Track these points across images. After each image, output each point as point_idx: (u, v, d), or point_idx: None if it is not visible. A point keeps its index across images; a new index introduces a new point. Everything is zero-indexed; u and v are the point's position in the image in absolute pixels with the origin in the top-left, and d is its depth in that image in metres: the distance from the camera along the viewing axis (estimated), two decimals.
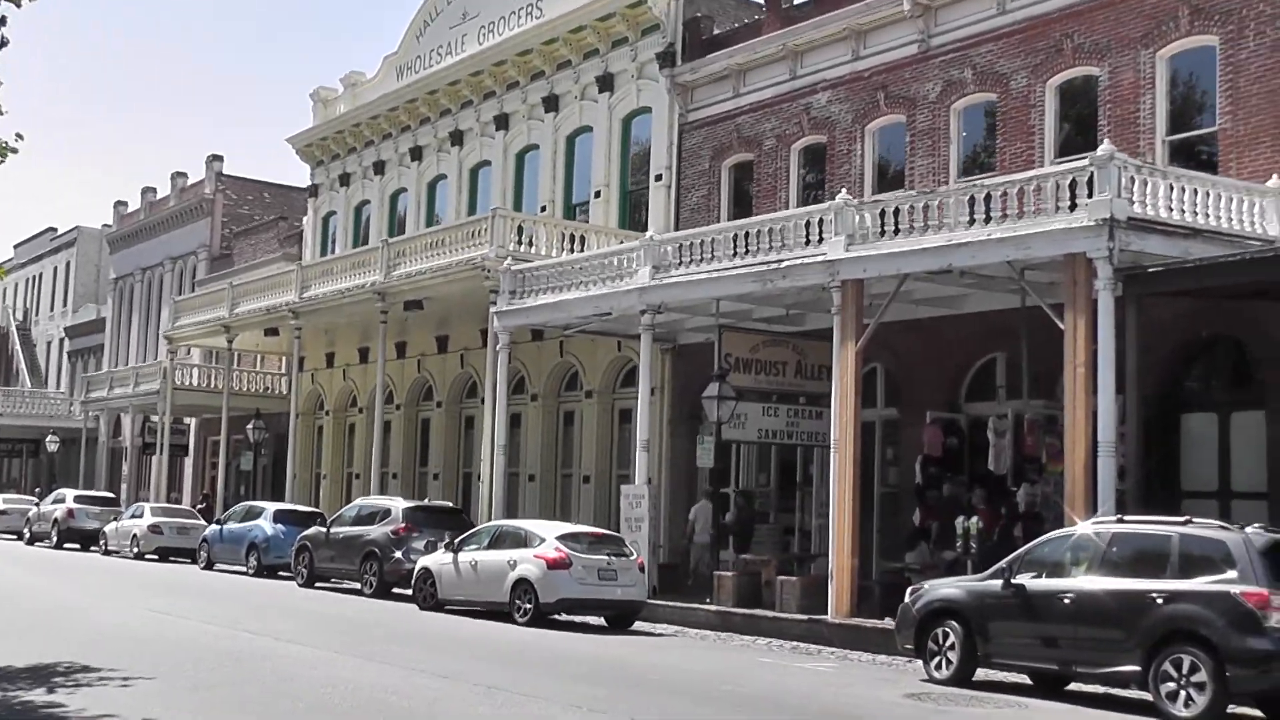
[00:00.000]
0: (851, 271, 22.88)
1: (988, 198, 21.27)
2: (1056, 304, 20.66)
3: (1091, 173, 19.76)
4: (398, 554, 27.87)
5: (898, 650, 19.35)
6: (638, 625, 24.02)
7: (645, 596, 23.84)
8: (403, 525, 28.20)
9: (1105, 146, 19.97)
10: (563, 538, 23.47)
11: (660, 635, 23.16)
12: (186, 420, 56.02)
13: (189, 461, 57.32)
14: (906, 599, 18.37)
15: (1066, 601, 16.10)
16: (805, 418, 27.31)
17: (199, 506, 48.34)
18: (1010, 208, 20.93)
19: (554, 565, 22.87)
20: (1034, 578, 16.78)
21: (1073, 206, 20.01)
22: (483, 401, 38.26)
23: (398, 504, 29.52)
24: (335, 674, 15.66)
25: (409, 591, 27.87)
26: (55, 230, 79.49)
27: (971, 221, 21.36)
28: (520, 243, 31.85)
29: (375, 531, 28.59)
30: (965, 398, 26.94)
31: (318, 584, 30.49)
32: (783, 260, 23.96)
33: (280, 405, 48.45)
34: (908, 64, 28.53)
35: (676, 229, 31.34)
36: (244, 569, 34.44)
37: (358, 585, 29.04)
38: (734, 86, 32.21)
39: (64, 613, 22.45)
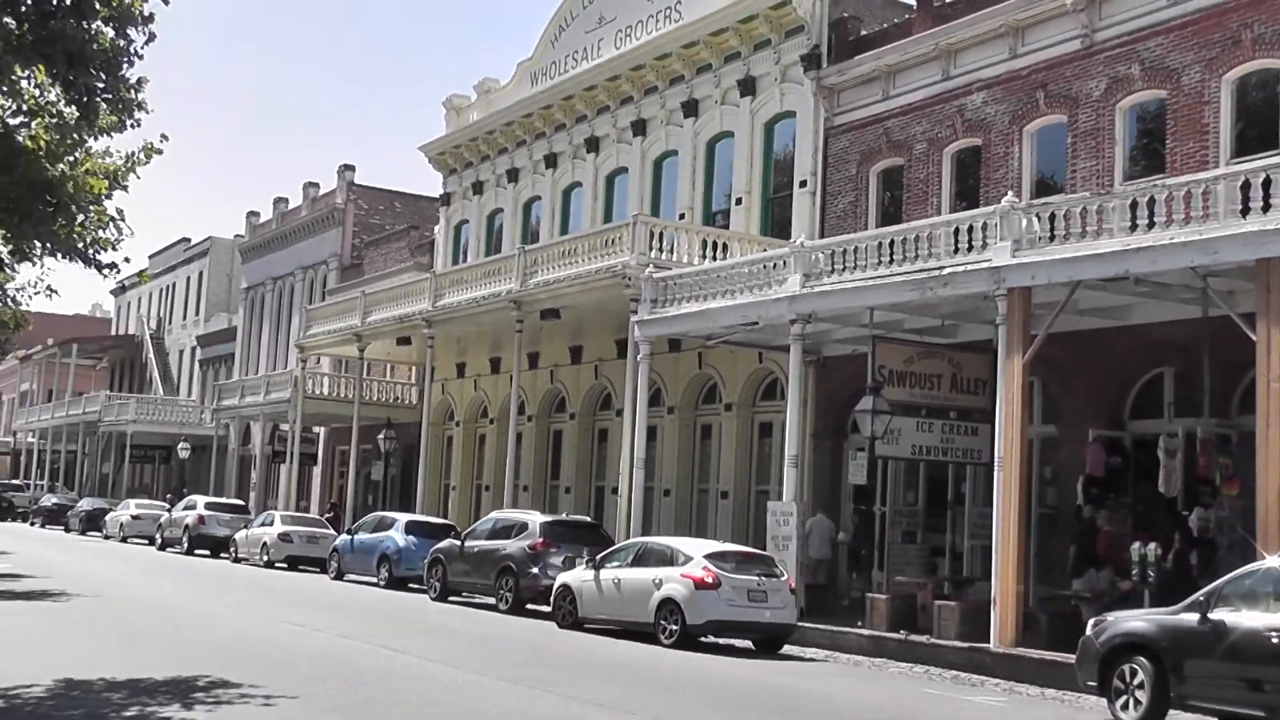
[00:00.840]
0: (1019, 279, 21.56)
1: (1170, 198, 19.88)
2: (1245, 314, 19.22)
3: None
4: (534, 570, 26.95)
5: (1073, 685, 18.08)
6: (786, 649, 22.84)
7: (796, 619, 22.66)
8: (540, 540, 27.25)
9: None
10: (711, 556, 22.38)
11: (812, 660, 21.98)
12: (316, 429, 55.83)
13: (317, 470, 57.18)
14: (1088, 631, 17.00)
15: (1276, 641, 14.65)
16: (961, 434, 25.96)
17: (327, 515, 48.05)
18: (1195, 209, 19.51)
19: (702, 585, 21.79)
20: (1233, 612, 15.36)
21: (1266, 208, 18.57)
22: (618, 414, 37.42)
23: (535, 518, 28.59)
24: (484, 699, 14.72)
25: (545, 608, 26.93)
26: (189, 240, 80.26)
27: (1151, 225, 19.96)
28: (659, 250, 30.87)
29: (511, 546, 27.69)
30: (1129, 415, 25.45)
31: (451, 598, 29.70)
32: (944, 267, 22.68)
33: (409, 415, 48.06)
34: (1069, 61, 27.10)
35: (822, 237, 30.14)
36: (375, 580, 33.81)
37: (492, 600, 28.19)
38: (883, 88, 30.96)
39: (198, 621, 21.82)
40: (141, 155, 19.01)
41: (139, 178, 19.34)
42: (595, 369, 38.73)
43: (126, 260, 19.64)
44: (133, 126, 16.54)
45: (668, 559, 22.83)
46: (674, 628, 21.81)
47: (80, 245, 18.81)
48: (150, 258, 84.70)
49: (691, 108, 36.41)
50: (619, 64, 38.59)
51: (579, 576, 24.35)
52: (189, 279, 77.90)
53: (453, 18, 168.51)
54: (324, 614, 24.23)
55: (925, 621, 23.18)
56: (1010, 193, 23.92)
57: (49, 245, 18.56)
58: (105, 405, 71.21)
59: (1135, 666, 15.92)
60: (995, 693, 19.04)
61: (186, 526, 46.48)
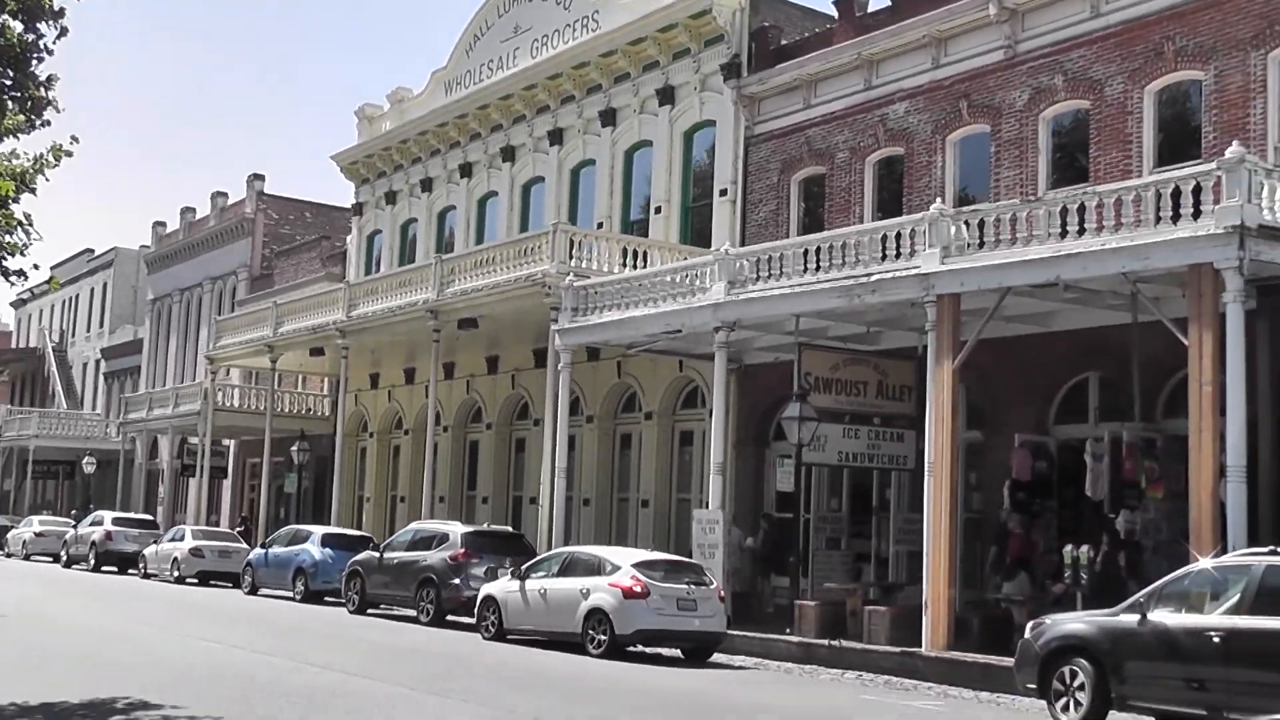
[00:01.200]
0: (948, 285, 21.41)
1: (1100, 205, 19.79)
2: (1177, 319, 19.19)
3: (1218, 177, 18.32)
4: (456, 580, 26.35)
5: (1008, 688, 18.07)
6: (716, 657, 22.48)
7: (725, 628, 22.31)
8: (461, 551, 26.66)
9: (1235, 148, 18.48)
10: (639, 565, 21.99)
11: (743, 669, 21.63)
12: (225, 442, 54.71)
13: (227, 484, 56.06)
14: (1027, 634, 16.83)
15: (1217, 640, 14.53)
16: (887, 440, 25.85)
17: (238, 529, 47.13)
18: (1126, 216, 19.46)
19: (630, 595, 21.39)
20: (1173, 613, 15.26)
21: (1196, 214, 18.55)
22: (535, 423, 36.99)
23: (456, 528, 28.01)
24: (414, 714, 14.20)
25: (467, 619, 26.42)
26: (92, 251, 78.49)
27: (1081, 231, 19.89)
28: (579, 259, 30.43)
29: (433, 557, 27.07)
30: (1054, 420, 25.44)
31: (369, 611, 29.04)
32: (872, 274, 22.50)
33: (322, 427, 47.24)
34: (992, 71, 27.10)
35: (743, 245, 29.87)
36: (290, 594, 33.02)
37: (412, 613, 27.57)
38: (804, 97, 30.80)
39: (113, 641, 21.03)
40: (50, 157, 18.23)
41: (48, 180, 18.57)
42: (512, 379, 38.22)
43: (35, 267, 18.82)
44: (43, 126, 15.84)
45: (595, 568, 22.43)
46: (602, 638, 21.39)
47: None
48: (52, 268, 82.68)
49: (609, 117, 36.06)
50: (535, 73, 38.14)
51: (504, 587, 23.86)
52: (93, 290, 76.14)
53: (365, 26, 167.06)
54: (242, 630, 23.53)
55: (855, 627, 22.94)
56: (939, 199, 23.78)
57: None
58: (6, 419, 69.40)
59: (1075, 668, 15.76)
60: (930, 696, 18.85)
61: (93, 543, 45.25)
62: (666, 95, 34.22)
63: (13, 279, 18.05)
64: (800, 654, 22.60)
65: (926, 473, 21.61)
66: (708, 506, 25.55)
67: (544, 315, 30.48)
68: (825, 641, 22.45)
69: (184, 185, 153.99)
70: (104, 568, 44.82)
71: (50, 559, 50.00)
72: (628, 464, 34.69)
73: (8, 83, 15.49)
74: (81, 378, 75.76)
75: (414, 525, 30.15)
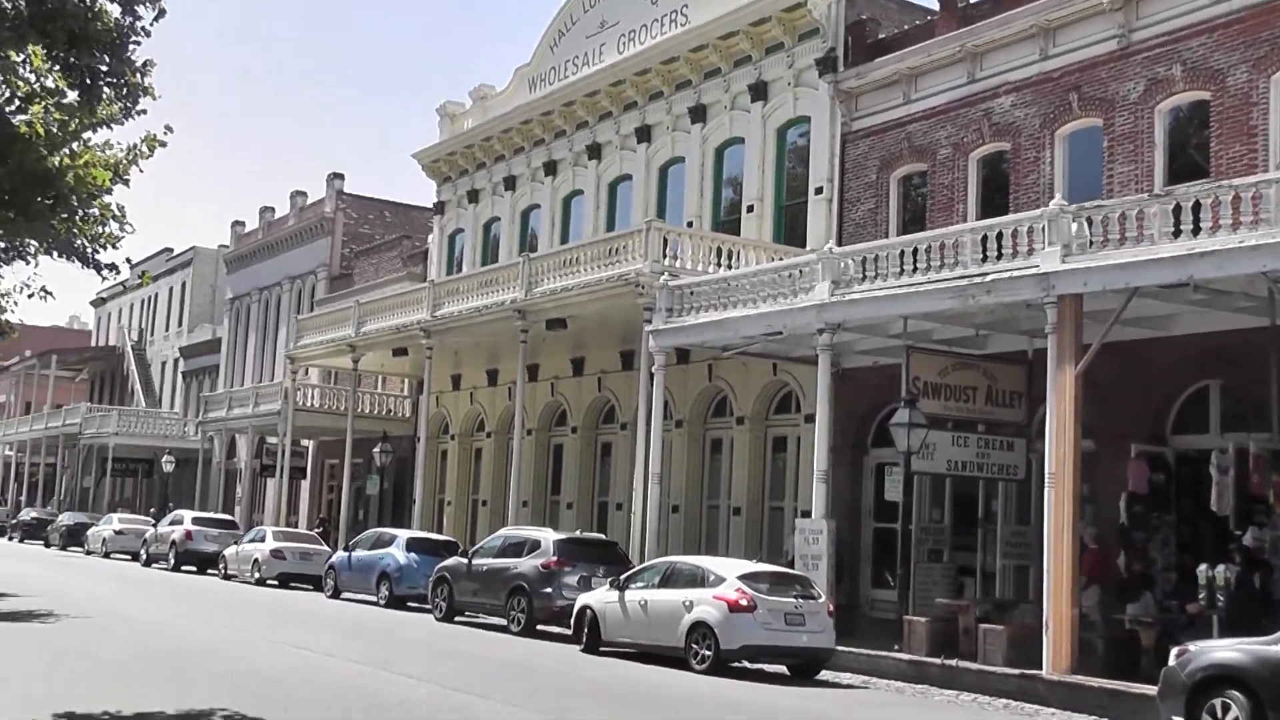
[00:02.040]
0: (1070, 285, 20.20)
1: (1236, 200, 18.54)
2: None
3: None
4: (548, 589, 25.43)
5: (1136, 715, 16.85)
6: (822, 674, 21.37)
7: (834, 644, 21.20)
8: (554, 559, 25.72)
9: None
10: (745, 577, 20.87)
11: (853, 687, 20.52)
12: (304, 442, 54.20)
13: (306, 485, 55.56)
14: (1171, 662, 15.64)
15: None
16: (996, 448, 24.63)
17: (317, 530, 46.46)
18: (1265, 211, 18.16)
19: (736, 608, 20.28)
20: None
21: None
22: (622, 427, 36.10)
23: (548, 535, 27.04)
24: None
25: (557, 629, 25.54)
26: (171, 250, 78.50)
27: (1215, 228, 18.64)
28: (670, 258, 29.40)
29: (524, 565, 26.14)
30: (1172, 429, 24.17)
31: (457, 619, 28.17)
32: (987, 274, 21.31)
33: (402, 428, 46.56)
34: (1104, 62, 25.84)
35: (840, 245, 28.75)
36: (374, 599, 32.23)
37: (501, 621, 26.68)
38: (904, 92, 29.64)
39: (199, 645, 20.20)
40: (144, 147, 17.49)
41: (141, 171, 17.82)
42: (598, 381, 37.28)
43: (128, 261, 18.15)
44: (139, 114, 15.03)
45: (698, 580, 21.33)
46: (706, 653, 20.31)
47: (78, 243, 17.27)
48: (131, 267, 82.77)
49: (699, 113, 35.05)
50: (623, 68, 37.21)
51: (601, 598, 22.86)
52: (171, 289, 76.07)
53: (448, 24, 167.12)
54: (330, 636, 22.71)
55: (967, 646, 21.77)
56: (1055, 195, 22.52)
57: (45, 243, 17.01)
58: (86, 417, 69.32)
59: (1229, 700, 14.60)
60: None
61: (173, 542, 44.79)
62: (759, 91, 33.16)
63: (105, 273, 17.34)
64: (911, 672, 21.46)
65: (1047, 484, 20.39)
66: (810, 515, 24.39)
67: (634, 316, 29.55)
68: (939, 660, 21.30)
69: (263, 184, 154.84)
70: (184, 567, 44.35)
71: (129, 557, 49.64)
72: (718, 470, 33.66)
73: (103, 68, 14.68)
74: (160, 376, 75.71)
75: (503, 531, 29.22)
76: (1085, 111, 26.14)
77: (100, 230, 16.83)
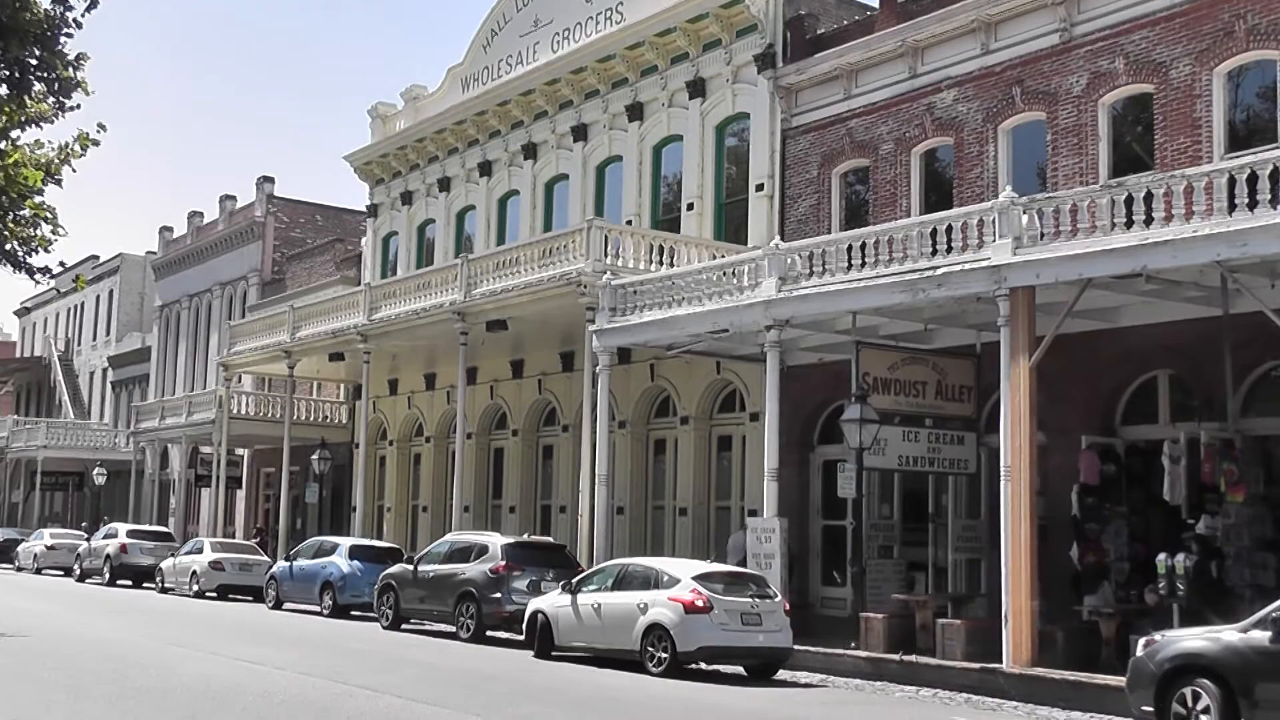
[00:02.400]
0: (1022, 277, 20.07)
1: (1189, 190, 18.45)
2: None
3: None
4: (497, 594, 25.00)
5: (1101, 707, 17.24)
6: (780, 674, 21.08)
7: (792, 643, 20.90)
8: (502, 563, 25.28)
9: None
10: (699, 578, 20.52)
11: (811, 686, 20.25)
12: (239, 451, 53.28)
13: (242, 494, 54.63)
14: (1139, 652, 15.47)
15: None
16: (947, 443, 24.51)
17: (254, 541, 45.66)
18: (1217, 200, 18.07)
19: (692, 609, 19.94)
20: None
21: (1274, 201, 17.28)
22: (564, 429, 35.71)
23: (495, 540, 26.58)
24: None
25: (507, 635, 25.13)
26: (98, 258, 76.98)
27: (1169, 219, 18.54)
28: (609, 256, 28.98)
29: (471, 570, 25.67)
30: (1121, 420, 24.12)
31: (404, 626, 27.67)
32: (938, 268, 21.12)
33: (339, 435, 45.91)
34: (1047, 56, 25.77)
35: (783, 241, 28.53)
36: (317, 609, 31.61)
37: (449, 628, 26.23)
38: (845, 88, 29.45)
39: (147, 662, 19.48)
40: (76, 146, 16.96)
41: (74, 170, 17.25)
42: (539, 383, 36.84)
43: (61, 265, 17.54)
44: (73, 109, 14.53)
45: (652, 581, 20.97)
46: (663, 655, 19.97)
47: (8, 246, 16.70)
48: (63, 270, 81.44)
49: (636, 111, 34.71)
50: (558, 67, 36.79)
51: (553, 602, 22.45)
52: (99, 297, 74.65)
53: (377, 25, 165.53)
54: (278, 649, 22.12)
55: (925, 641, 21.62)
56: (1002, 188, 22.37)
57: None
58: (13, 430, 67.92)
59: (1199, 689, 14.47)
60: (1021, 716, 17.42)
61: (108, 556, 43.82)
62: (697, 88, 32.87)
63: (38, 277, 16.76)
64: (869, 670, 21.24)
65: (1003, 477, 20.21)
66: (762, 514, 24.10)
67: (576, 316, 29.17)
68: (897, 657, 21.09)
69: (191, 189, 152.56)
70: (119, 581, 43.43)
71: (62, 573, 48.62)
72: (662, 471, 33.32)
73: (33, 62, 14.15)
74: (88, 387, 74.33)
75: (449, 536, 28.71)
76: (1028, 105, 26.05)
77: (32, 233, 16.28)
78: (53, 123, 16.33)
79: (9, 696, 15.63)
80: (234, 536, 49.15)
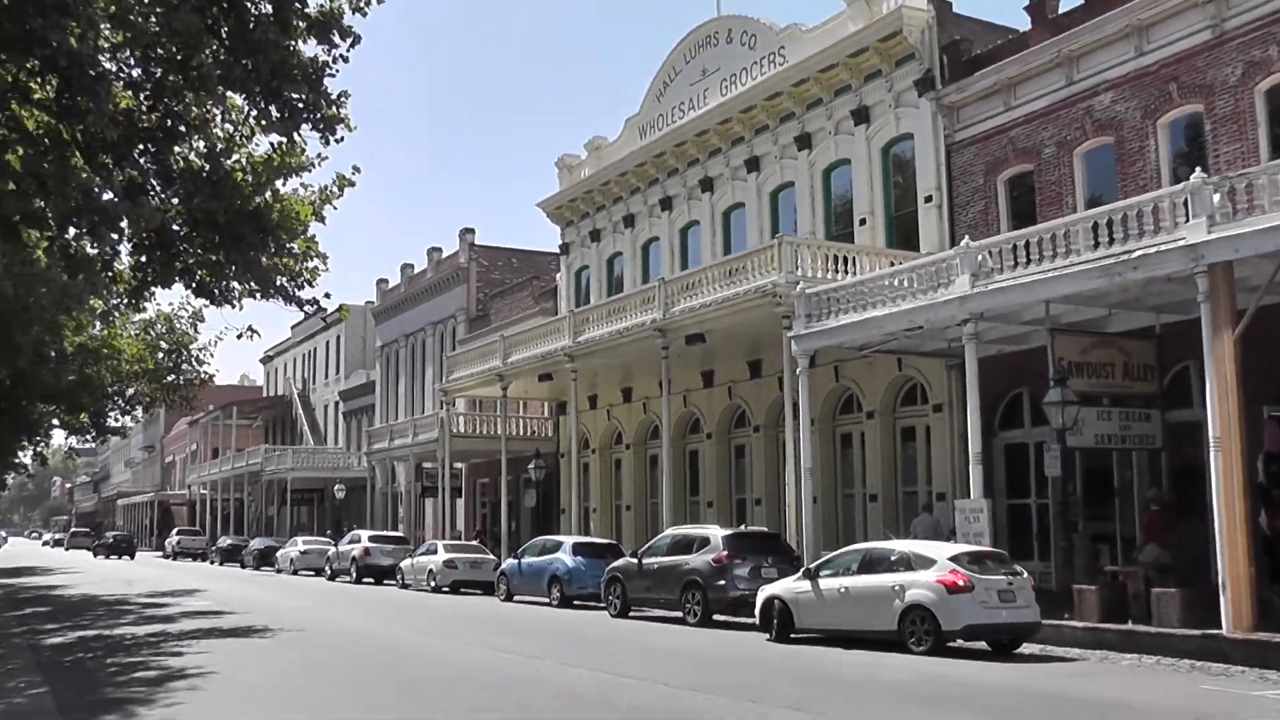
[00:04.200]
0: (1220, 253, 17.82)
1: None
2: None
3: None
4: (721, 582, 23.25)
5: None
6: (1023, 648, 18.79)
7: (1040, 618, 18.61)
8: (724, 553, 23.52)
9: None
10: (955, 559, 18.34)
11: (1062, 660, 17.65)
12: (457, 465, 52.42)
13: (461, 502, 53.75)
14: None
15: None
16: (1135, 420, 22.22)
17: (475, 541, 44.58)
18: None
19: (955, 589, 17.76)
20: None
21: None
22: (755, 430, 34.10)
23: (715, 532, 24.85)
24: None
25: (731, 619, 23.38)
26: (325, 310, 77.14)
27: None
28: (799, 269, 27.13)
29: (695, 560, 23.98)
30: None
31: (630, 614, 26.06)
32: (1133, 251, 18.93)
33: (546, 446, 44.61)
34: (1200, 52, 23.43)
35: (953, 246, 26.47)
36: (545, 600, 30.18)
37: (673, 614, 24.56)
38: (1005, 101, 27.31)
39: (413, 654, 18.16)
40: (334, 187, 15.71)
41: (335, 209, 16.03)
42: (729, 390, 35.10)
43: (327, 296, 16.31)
44: (336, 142, 13.18)
45: (903, 564, 18.76)
46: (926, 634, 17.87)
47: (279, 281, 15.46)
48: (292, 328, 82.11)
49: (805, 140, 32.87)
50: (729, 107, 35.13)
51: (789, 588, 20.31)
52: (328, 343, 74.92)
53: (555, 88, 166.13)
54: (525, 639, 20.66)
55: (1137, 610, 19.36)
56: (1198, 169, 19.98)
57: (249, 282, 15.20)
58: (266, 456, 68.37)
59: None
60: (1269, 684, 15.14)
61: (354, 559, 43.22)
62: (861, 115, 30.94)
63: (307, 308, 15.51)
64: (1088, 639, 19.03)
65: (1212, 448, 17.95)
66: (969, 496, 22.04)
67: (769, 326, 27.47)
68: (1114, 626, 18.87)
69: (402, 244, 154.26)
70: (364, 580, 42.73)
71: (313, 573, 48.15)
72: (850, 462, 31.32)
73: (300, 104, 12.82)
74: (323, 418, 74.54)
75: (670, 530, 27.01)
76: (1185, 99, 23.73)
77: (304, 265, 15.04)
78: (317, 166, 15.11)
79: (307, 687, 14.42)
80: (459, 539, 48.20)
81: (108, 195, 12.30)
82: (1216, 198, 18.14)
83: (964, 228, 27.82)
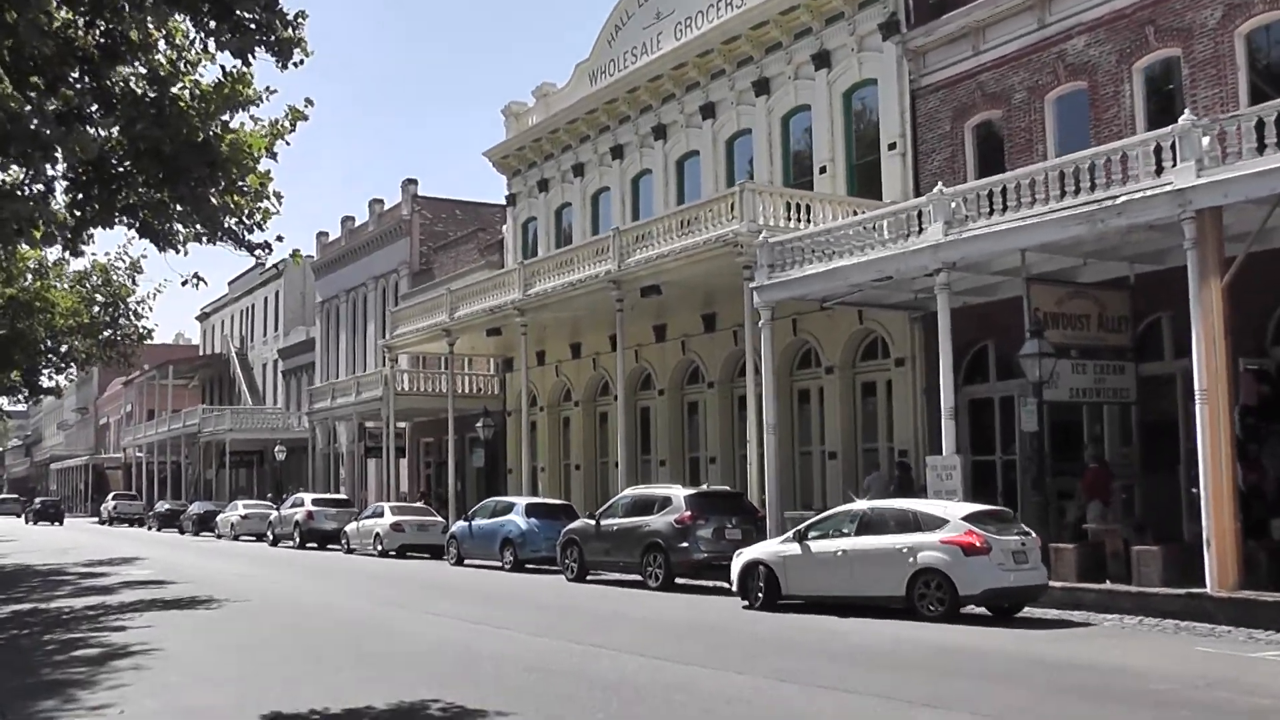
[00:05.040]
0: (1209, 198, 17.17)
1: None
2: None
3: None
4: (684, 544, 22.52)
5: None
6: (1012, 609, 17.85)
7: (1046, 580, 17.85)
8: (687, 513, 22.77)
9: None
10: (969, 518, 17.29)
11: (1052, 625, 16.87)
12: (400, 424, 51.31)
13: (404, 463, 52.68)
14: None
15: None
16: (1110, 373, 21.66)
17: (419, 503, 43.62)
18: None
19: (972, 551, 16.69)
20: None
21: None
22: (709, 386, 33.36)
23: (677, 491, 24.07)
24: (786, 711, 10.37)
25: (694, 583, 22.68)
26: (263, 265, 75.50)
27: None
28: (762, 217, 26.30)
29: (657, 521, 23.20)
30: (1271, 341, 21.13)
31: (588, 578, 25.31)
32: (1118, 196, 18.27)
33: (492, 404, 43.62)
34: None
35: (918, 195, 25.77)
36: (498, 564, 29.36)
37: (633, 577, 23.82)
38: (973, 44, 26.53)
39: (370, 626, 17.31)
40: (287, 121, 14.60)
41: (288, 144, 14.93)
42: (682, 344, 34.31)
43: (279, 239, 15.06)
44: (295, 65, 12.09)
45: (910, 524, 17.60)
46: (939, 599, 16.85)
47: (229, 223, 14.32)
48: (229, 284, 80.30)
49: (763, 86, 31.96)
50: (684, 52, 34.11)
51: (774, 551, 19.19)
52: (266, 299, 73.26)
53: (503, 32, 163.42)
54: (483, 606, 19.86)
55: (1116, 569, 18.86)
56: (1186, 110, 19.27)
57: (195, 224, 14.04)
58: (203, 417, 66.85)
59: None
60: (1262, 645, 14.64)
61: (297, 523, 42.17)
62: (822, 59, 30.07)
63: (259, 252, 14.42)
64: (1066, 599, 18.49)
65: (1199, 400, 17.37)
66: (941, 453, 21.41)
67: (728, 278, 26.67)
68: (1092, 586, 18.36)
69: (342, 196, 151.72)
70: (307, 545, 41.69)
71: (254, 538, 47.03)
72: (808, 419, 30.64)
73: (252, 26, 11.73)
74: (262, 377, 73.00)
75: (629, 491, 26.25)
76: (1162, 42, 23.05)
77: (256, 206, 13.93)
78: (266, 101, 13.98)
79: (262, 664, 13.51)
80: (404, 500, 47.20)
81: (40, 121, 11.14)
82: (1205, 141, 17.51)
83: (929, 176, 27.12)
